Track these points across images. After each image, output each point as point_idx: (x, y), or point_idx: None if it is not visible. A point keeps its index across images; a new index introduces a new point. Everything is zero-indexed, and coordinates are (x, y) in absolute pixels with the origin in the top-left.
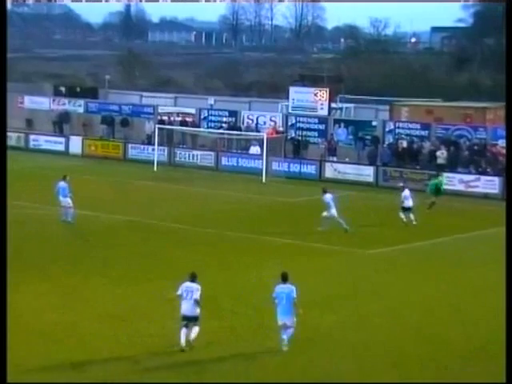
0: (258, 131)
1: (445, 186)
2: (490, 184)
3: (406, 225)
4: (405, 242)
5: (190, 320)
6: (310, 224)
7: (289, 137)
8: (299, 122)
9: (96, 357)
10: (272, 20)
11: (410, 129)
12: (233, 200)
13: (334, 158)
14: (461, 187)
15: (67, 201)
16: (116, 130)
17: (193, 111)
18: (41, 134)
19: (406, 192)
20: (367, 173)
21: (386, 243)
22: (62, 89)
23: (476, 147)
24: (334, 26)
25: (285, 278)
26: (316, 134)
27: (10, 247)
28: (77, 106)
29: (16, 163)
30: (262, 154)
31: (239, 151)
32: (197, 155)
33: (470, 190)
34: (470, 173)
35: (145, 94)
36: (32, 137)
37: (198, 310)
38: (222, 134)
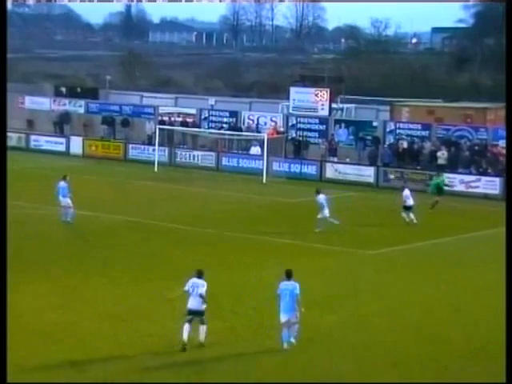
0: (258, 131)
1: (446, 186)
2: (491, 184)
3: (407, 224)
4: (405, 242)
5: (195, 314)
6: (311, 224)
7: (289, 137)
8: (300, 122)
9: (96, 357)
10: (273, 20)
11: (410, 129)
12: (233, 200)
13: (335, 159)
14: (461, 188)
15: (67, 201)
16: (117, 131)
17: (193, 111)
18: (41, 134)
19: (407, 191)
20: (368, 173)
21: (386, 243)
22: (63, 89)
23: (477, 148)
24: (334, 27)
25: (289, 275)
26: (317, 134)
27: (10, 247)
28: (77, 107)
29: (16, 163)
30: (262, 155)
31: (240, 151)
32: (197, 155)
33: (470, 190)
34: (470, 173)
35: (145, 94)
36: (33, 137)
37: (203, 306)
38: (223, 134)
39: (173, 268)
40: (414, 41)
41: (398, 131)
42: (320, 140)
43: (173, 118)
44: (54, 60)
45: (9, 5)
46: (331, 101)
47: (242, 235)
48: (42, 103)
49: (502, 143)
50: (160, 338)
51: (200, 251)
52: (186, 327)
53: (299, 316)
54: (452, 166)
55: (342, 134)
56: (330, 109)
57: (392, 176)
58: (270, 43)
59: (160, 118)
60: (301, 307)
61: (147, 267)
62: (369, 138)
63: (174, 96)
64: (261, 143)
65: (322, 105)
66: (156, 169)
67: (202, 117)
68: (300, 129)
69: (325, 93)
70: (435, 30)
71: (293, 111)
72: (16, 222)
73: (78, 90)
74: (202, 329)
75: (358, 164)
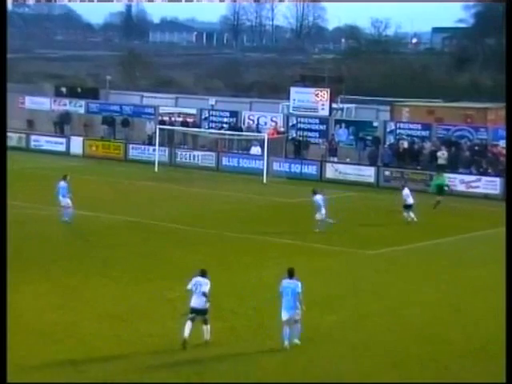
0: (258, 132)
1: (447, 184)
2: (491, 184)
3: (408, 224)
4: (405, 242)
5: (198, 313)
6: (311, 224)
7: (290, 137)
8: (300, 122)
9: (96, 357)
10: (273, 20)
11: (410, 129)
12: (233, 200)
13: (335, 159)
14: (462, 188)
15: (66, 201)
16: (117, 131)
17: (194, 112)
18: (42, 134)
19: (406, 190)
20: (368, 173)
21: (387, 243)
22: (63, 89)
23: (477, 148)
24: (334, 27)
25: (291, 274)
26: (317, 134)
27: (10, 247)
28: (78, 107)
29: (17, 164)
30: (262, 155)
31: (240, 152)
32: (198, 156)
33: (470, 190)
34: (470, 173)
35: (146, 94)
36: (33, 137)
37: (206, 304)
38: (223, 134)
39: (173, 268)
40: (415, 41)
41: (398, 131)
42: (320, 140)
43: (173, 118)
44: (55, 60)
45: (9, 5)
46: (331, 101)
47: (242, 235)
48: (42, 103)
49: (503, 143)
50: (160, 338)
51: (200, 251)
52: (188, 325)
53: (301, 314)
54: (452, 166)
55: (342, 134)
56: (331, 109)
57: (387, 173)
58: (270, 43)
59: (160, 118)
60: (302, 305)
61: (147, 267)
62: (369, 138)
63: (175, 96)
64: (261, 143)
65: (323, 105)
66: (156, 169)
67: (203, 117)
68: (300, 129)
69: (325, 93)
70: (435, 30)
71: (293, 111)
72: (16, 222)
73: (79, 90)
74: (206, 329)
75: (358, 164)
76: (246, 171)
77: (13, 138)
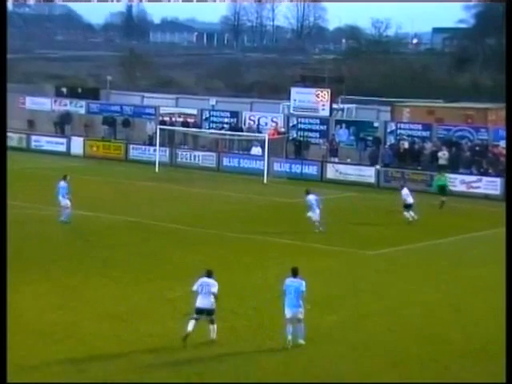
0: (259, 132)
1: (448, 184)
2: (492, 185)
3: (409, 224)
4: (405, 242)
5: (205, 313)
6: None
7: (290, 137)
8: (301, 122)
9: (96, 357)
10: (273, 21)
11: (411, 129)
12: (234, 200)
13: (336, 159)
14: (462, 188)
15: (65, 201)
16: (117, 131)
17: (194, 112)
18: (42, 134)
19: (406, 190)
20: (368, 173)
21: (387, 244)
22: (64, 89)
23: (477, 148)
24: (335, 27)
25: (295, 273)
26: (317, 134)
27: (10, 247)
28: (78, 107)
29: (17, 164)
30: (263, 155)
31: (241, 152)
32: (198, 156)
33: (471, 190)
34: (471, 174)
35: (146, 94)
36: (33, 137)
37: (214, 304)
38: (224, 134)
39: (173, 268)
40: (415, 41)
41: (398, 131)
42: (321, 140)
43: (174, 119)
44: (55, 60)
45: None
46: (332, 101)
47: (242, 235)
48: (42, 103)
49: (503, 144)
50: (160, 338)
51: (200, 251)
52: (192, 322)
53: (304, 313)
54: (453, 166)
55: (342, 135)
56: (331, 109)
57: (378, 167)
58: (270, 43)
59: (161, 118)
60: (306, 304)
61: (147, 267)
62: (370, 138)
63: (175, 96)
64: (262, 143)
65: (323, 105)
66: (157, 169)
67: (203, 117)
68: (301, 129)
69: (325, 93)
70: (436, 30)
71: (294, 111)
72: (16, 222)
73: (79, 90)
74: (213, 328)
75: (359, 164)
76: (247, 171)
77: (13, 139)
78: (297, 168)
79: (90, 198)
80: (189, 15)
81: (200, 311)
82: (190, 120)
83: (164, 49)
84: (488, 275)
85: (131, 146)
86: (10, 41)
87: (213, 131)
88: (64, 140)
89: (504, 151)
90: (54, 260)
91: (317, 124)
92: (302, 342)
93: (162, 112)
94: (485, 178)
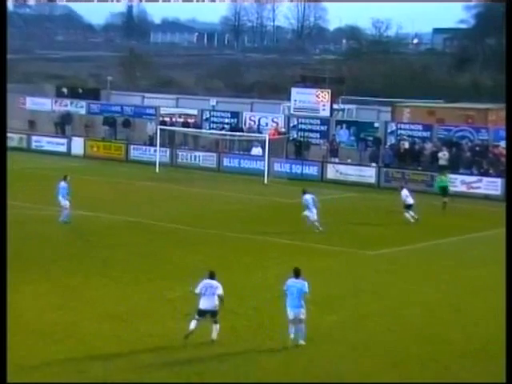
0: (259, 132)
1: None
2: (492, 185)
3: (409, 224)
4: (405, 242)
5: (208, 314)
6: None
7: (291, 138)
8: (301, 123)
9: (96, 357)
10: (274, 21)
11: (411, 130)
12: (234, 201)
13: (336, 159)
14: (463, 188)
15: (65, 202)
16: (118, 131)
17: (195, 112)
18: (43, 135)
19: (405, 191)
20: (369, 174)
21: (387, 244)
22: (64, 90)
23: (478, 148)
24: (335, 27)
25: (297, 274)
26: (318, 135)
27: (10, 247)
28: (79, 107)
29: (18, 164)
30: (263, 155)
31: (241, 152)
32: (199, 156)
33: (471, 191)
34: (471, 174)
35: (147, 95)
36: (34, 138)
37: (218, 305)
38: (224, 135)
39: (173, 268)
40: (415, 41)
41: (399, 132)
42: (321, 141)
43: (174, 119)
44: (55, 61)
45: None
46: (332, 101)
47: (242, 235)
48: (43, 104)
49: (504, 144)
50: (160, 338)
51: (200, 251)
52: (194, 322)
53: (305, 313)
54: (453, 166)
55: (343, 135)
56: (332, 109)
57: (373, 164)
58: (271, 44)
59: (161, 118)
60: (306, 305)
61: (147, 267)
62: (370, 138)
63: (176, 97)
64: (262, 144)
65: (324, 105)
66: (157, 169)
67: (204, 117)
68: (301, 129)
69: (326, 93)
70: (436, 30)
71: (294, 112)
72: (16, 222)
73: (80, 90)
74: (216, 328)
75: (359, 165)
76: (247, 172)
77: (14, 139)
78: (297, 168)
79: (90, 198)
80: (189, 15)
81: (203, 312)
82: (191, 120)
83: (164, 49)
84: (488, 275)
85: (132, 146)
86: (10, 41)
87: (213, 131)
88: (64, 140)
89: (504, 151)
90: (53, 260)
91: (317, 124)
92: (302, 342)
93: (162, 112)
94: (485, 179)
